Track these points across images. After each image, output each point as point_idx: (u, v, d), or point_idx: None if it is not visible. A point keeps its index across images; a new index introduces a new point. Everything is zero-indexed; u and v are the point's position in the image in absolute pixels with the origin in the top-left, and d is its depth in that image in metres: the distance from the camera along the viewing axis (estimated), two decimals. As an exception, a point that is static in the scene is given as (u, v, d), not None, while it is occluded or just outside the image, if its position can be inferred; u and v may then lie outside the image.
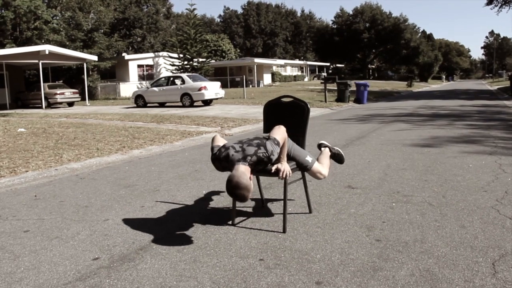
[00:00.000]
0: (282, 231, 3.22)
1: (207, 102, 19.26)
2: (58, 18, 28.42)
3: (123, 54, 32.90)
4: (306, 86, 37.14)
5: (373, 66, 72.86)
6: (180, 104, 18.84)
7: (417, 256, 2.70)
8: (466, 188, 4.25)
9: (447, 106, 16.35)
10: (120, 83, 30.55)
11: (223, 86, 36.46)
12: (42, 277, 2.62)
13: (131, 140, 8.43)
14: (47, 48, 20.76)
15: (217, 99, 19.45)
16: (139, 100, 19.72)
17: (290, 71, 53.95)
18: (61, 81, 25.11)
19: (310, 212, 3.64)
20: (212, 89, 18.74)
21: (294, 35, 76.48)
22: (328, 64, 60.27)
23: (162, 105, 19.77)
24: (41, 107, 21.01)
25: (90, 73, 28.09)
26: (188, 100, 18.53)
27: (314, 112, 14.77)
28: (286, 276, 2.48)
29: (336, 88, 20.15)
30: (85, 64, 23.95)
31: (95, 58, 24.02)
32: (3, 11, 23.47)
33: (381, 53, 68.22)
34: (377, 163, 5.67)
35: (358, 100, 18.91)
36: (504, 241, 2.89)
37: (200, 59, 33.30)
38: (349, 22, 66.18)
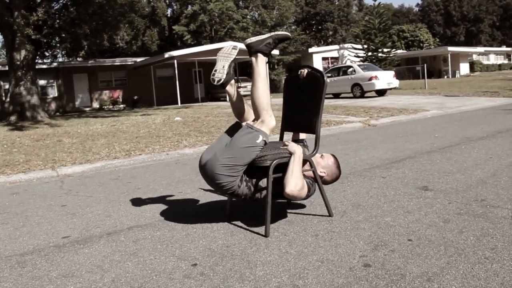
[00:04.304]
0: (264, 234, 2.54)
1: (381, 93, 17.89)
2: (248, 17, 30.74)
3: (312, 47, 33.42)
4: (510, 75, 30.98)
5: None
6: (351, 95, 18.02)
7: (394, 299, 1.71)
8: None
9: None
10: (303, 76, 31.15)
11: (414, 77, 33.69)
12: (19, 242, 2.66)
13: (260, 128, 8.34)
14: (228, 44, 22.63)
15: (390, 89, 17.88)
16: (311, 92, 19.64)
17: (493, 60, 46.03)
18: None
19: (330, 215, 2.80)
20: (384, 78, 17.27)
21: (503, 19, 64.70)
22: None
23: (335, 96, 19.23)
24: (225, 100, 23.12)
25: (276, 67, 29.52)
26: (358, 90, 17.55)
27: (491, 102, 11.96)
28: (184, 292, 1.88)
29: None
30: (266, 59, 25.21)
31: (275, 51, 25.09)
32: (202, 15, 26.67)
33: None
34: (500, 160, 4.12)
35: None
36: None
37: (385, 49, 31.35)
38: None
